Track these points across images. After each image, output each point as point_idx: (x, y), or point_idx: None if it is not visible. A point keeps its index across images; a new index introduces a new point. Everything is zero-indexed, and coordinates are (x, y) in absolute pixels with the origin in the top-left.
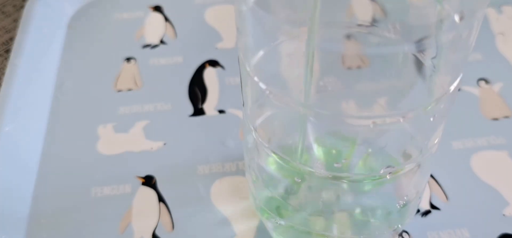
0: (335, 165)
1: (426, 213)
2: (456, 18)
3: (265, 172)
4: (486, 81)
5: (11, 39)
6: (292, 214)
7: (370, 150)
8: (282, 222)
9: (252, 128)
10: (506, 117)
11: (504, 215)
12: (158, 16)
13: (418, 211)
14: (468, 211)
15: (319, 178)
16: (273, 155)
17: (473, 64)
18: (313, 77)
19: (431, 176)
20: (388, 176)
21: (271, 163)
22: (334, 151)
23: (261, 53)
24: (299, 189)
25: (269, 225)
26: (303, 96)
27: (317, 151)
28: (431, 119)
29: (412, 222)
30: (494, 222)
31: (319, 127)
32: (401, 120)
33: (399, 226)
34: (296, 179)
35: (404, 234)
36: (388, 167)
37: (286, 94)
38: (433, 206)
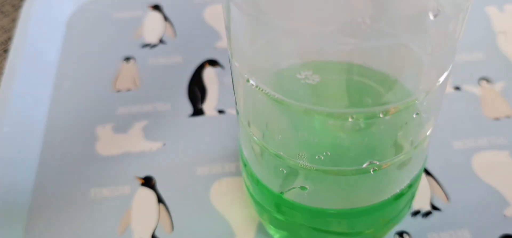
0: (317, 157)
1: (427, 214)
2: (431, 15)
3: (258, 164)
4: (488, 81)
5: (10, 38)
6: (284, 207)
7: (352, 144)
8: (278, 216)
9: (243, 119)
10: (508, 117)
11: (505, 215)
12: (157, 15)
13: (419, 212)
14: (469, 211)
15: (303, 170)
16: (262, 145)
17: (474, 63)
18: (292, 70)
19: (432, 176)
20: (371, 171)
21: (261, 154)
22: (315, 144)
23: (250, 49)
24: (286, 181)
25: (265, 220)
26: (288, 90)
27: (299, 143)
28: (414, 116)
29: (412, 223)
30: (495, 223)
31: (300, 120)
32: (381, 115)
33: (395, 221)
34: (281, 169)
35: (404, 235)
36: (371, 162)
37: (267, 86)
38: (433, 207)
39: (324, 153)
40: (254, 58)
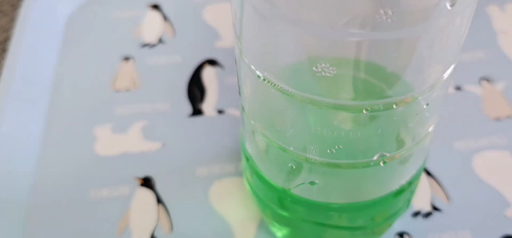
0: (328, 151)
1: (427, 214)
2: (448, 4)
3: (262, 161)
4: (488, 80)
5: (8, 38)
6: (290, 203)
7: (364, 136)
8: (282, 212)
9: (249, 116)
10: (509, 117)
11: (506, 216)
12: (156, 14)
13: (419, 212)
14: (469, 212)
15: (314, 165)
16: (269, 141)
17: (475, 63)
18: (307, 64)
19: (433, 176)
20: (381, 164)
21: (268, 150)
22: (327, 138)
23: (262, 43)
24: (295, 176)
25: (268, 216)
26: (298, 83)
27: (311, 137)
28: (425, 106)
29: (413, 224)
30: (496, 224)
31: (313, 113)
32: (394, 106)
33: (394, 217)
34: (290, 165)
35: (405, 236)
36: (381, 154)
37: (281, 81)
38: (434, 208)
39: (336, 147)
40: (267, 53)
